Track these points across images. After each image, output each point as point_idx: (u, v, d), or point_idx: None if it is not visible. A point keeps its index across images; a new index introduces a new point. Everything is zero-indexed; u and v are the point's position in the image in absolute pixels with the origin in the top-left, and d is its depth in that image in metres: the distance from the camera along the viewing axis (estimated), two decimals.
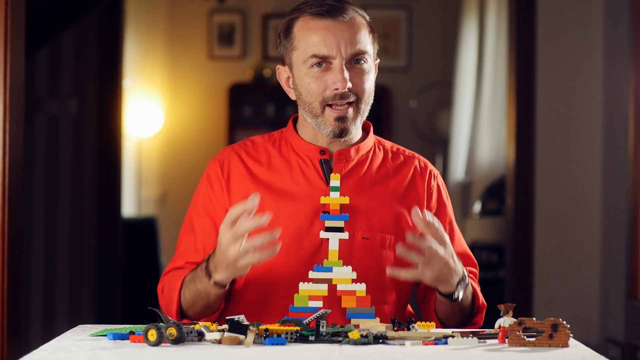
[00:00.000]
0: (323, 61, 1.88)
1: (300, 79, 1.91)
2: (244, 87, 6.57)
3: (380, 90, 6.40)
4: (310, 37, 1.89)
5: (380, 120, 6.46)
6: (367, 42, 1.91)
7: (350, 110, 1.89)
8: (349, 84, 1.87)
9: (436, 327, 1.81)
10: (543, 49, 4.23)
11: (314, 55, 1.88)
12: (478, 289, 1.95)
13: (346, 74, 1.87)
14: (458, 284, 1.83)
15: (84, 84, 4.91)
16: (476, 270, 2.01)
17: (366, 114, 1.94)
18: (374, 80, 1.94)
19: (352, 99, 1.88)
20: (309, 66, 1.89)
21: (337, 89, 1.87)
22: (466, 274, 1.86)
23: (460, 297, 1.85)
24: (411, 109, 6.56)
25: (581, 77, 4.23)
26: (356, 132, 1.97)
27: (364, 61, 1.90)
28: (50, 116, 4.86)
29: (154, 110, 6.42)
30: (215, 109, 6.60)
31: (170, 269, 1.98)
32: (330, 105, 1.89)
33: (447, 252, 1.77)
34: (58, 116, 4.87)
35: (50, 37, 4.69)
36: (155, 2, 6.62)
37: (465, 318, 1.93)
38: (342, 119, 1.89)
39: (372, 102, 1.94)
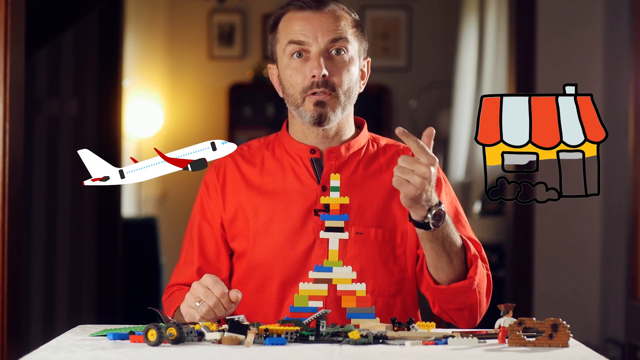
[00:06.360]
0: (302, 51, 1.92)
1: (283, 71, 1.95)
2: (244, 87, 6.57)
3: (380, 90, 6.40)
4: (290, 27, 1.93)
5: (380, 120, 6.46)
6: (347, 33, 1.93)
7: (330, 97, 1.91)
8: (325, 72, 1.89)
9: (436, 327, 1.80)
10: (543, 49, 4.23)
11: (291, 42, 1.92)
12: (469, 242, 1.88)
13: (322, 62, 1.90)
14: (429, 210, 1.77)
15: (84, 84, 4.91)
16: (476, 253, 1.92)
17: (348, 106, 1.95)
18: (357, 74, 1.95)
19: (329, 88, 1.90)
20: (289, 56, 1.93)
21: (313, 77, 1.90)
22: (444, 209, 1.78)
23: (432, 223, 1.77)
24: (411, 109, 6.56)
25: (581, 77, 4.22)
26: (342, 124, 1.97)
27: (344, 52, 1.92)
28: (50, 116, 4.86)
29: (154, 110, 6.42)
30: (215, 109, 6.60)
31: (174, 282, 2.02)
32: (310, 94, 1.91)
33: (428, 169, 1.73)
34: (58, 116, 4.87)
35: (50, 37, 4.69)
36: (155, 2, 6.62)
37: (457, 271, 1.85)
38: (320, 103, 1.91)
39: (355, 95, 1.96)
